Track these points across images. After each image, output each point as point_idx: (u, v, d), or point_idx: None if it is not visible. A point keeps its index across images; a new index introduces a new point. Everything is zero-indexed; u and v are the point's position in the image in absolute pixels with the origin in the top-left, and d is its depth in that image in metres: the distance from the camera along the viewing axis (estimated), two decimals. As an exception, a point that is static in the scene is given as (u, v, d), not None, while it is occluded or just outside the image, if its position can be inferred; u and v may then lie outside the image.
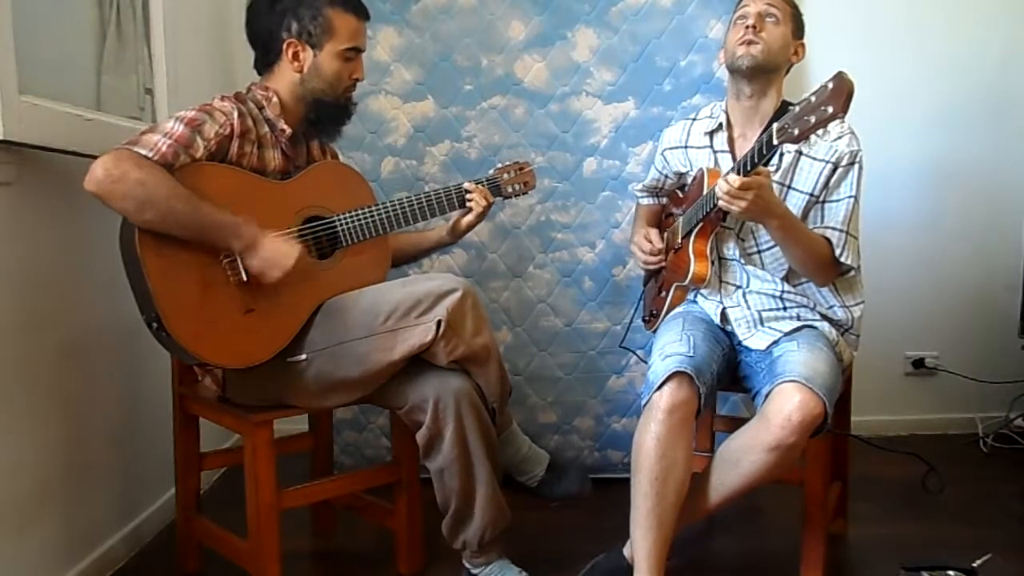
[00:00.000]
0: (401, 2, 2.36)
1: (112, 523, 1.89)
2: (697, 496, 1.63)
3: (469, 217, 1.82)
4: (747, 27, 1.69)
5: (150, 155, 1.47)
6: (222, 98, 1.63)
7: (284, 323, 1.62)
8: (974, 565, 1.71)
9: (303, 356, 1.62)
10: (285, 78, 1.69)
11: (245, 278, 1.56)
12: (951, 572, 1.69)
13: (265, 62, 1.71)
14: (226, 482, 2.38)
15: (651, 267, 1.91)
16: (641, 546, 1.55)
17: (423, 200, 1.76)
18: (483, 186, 1.83)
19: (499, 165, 1.90)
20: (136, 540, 1.97)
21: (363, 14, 1.72)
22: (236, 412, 1.66)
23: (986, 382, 2.73)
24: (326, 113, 1.72)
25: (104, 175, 1.43)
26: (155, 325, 1.52)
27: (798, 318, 1.73)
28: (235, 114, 1.60)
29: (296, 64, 1.67)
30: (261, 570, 1.63)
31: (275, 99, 1.68)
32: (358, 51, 1.72)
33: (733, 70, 1.74)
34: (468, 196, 1.80)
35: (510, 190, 1.88)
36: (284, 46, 1.67)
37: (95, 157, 1.69)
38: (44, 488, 1.63)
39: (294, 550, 1.88)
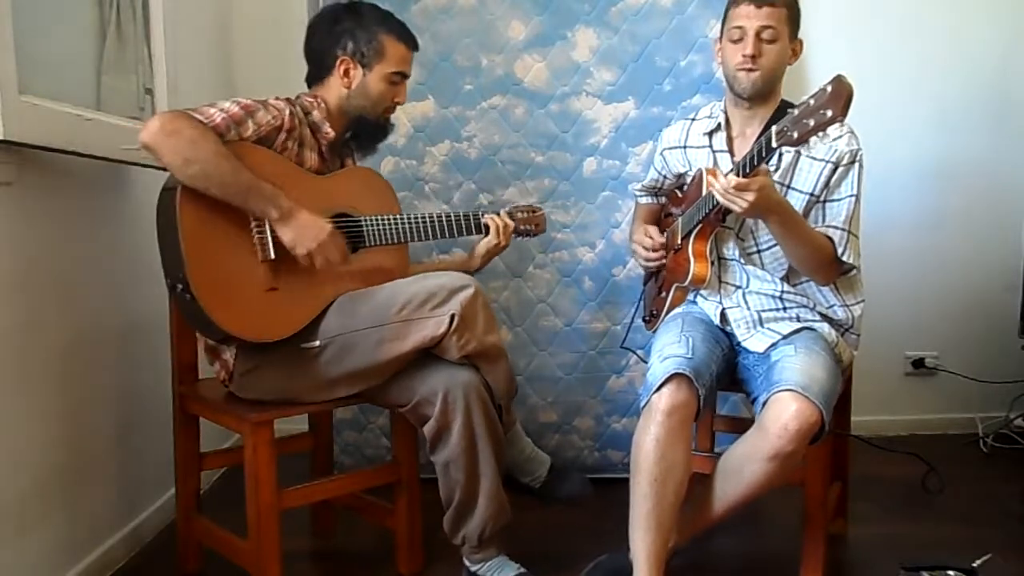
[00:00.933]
0: (401, 2, 2.36)
1: (112, 523, 1.89)
2: (701, 507, 1.64)
3: (488, 237, 1.89)
4: (744, 55, 1.67)
5: (204, 121, 1.54)
6: (276, 98, 1.70)
7: (303, 307, 1.66)
8: (974, 565, 1.71)
9: (316, 342, 1.65)
10: (333, 92, 1.78)
11: (273, 256, 1.60)
12: (951, 572, 1.69)
13: (316, 76, 1.80)
14: (226, 482, 2.38)
15: (652, 264, 1.91)
16: (641, 547, 1.55)
17: (445, 219, 1.84)
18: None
19: (513, 205, 2.00)
20: (136, 540, 1.97)
21: (413, 45, 1.82)
22: (236, 412, 1.66)
23: (986, 382, 2.73)
24: (365, 129, 1.82)
25: (159, 128, 1.49)
26: (180, 287, 1.55)
27: (798, 319, 1.73)
28: (287, 111, 1.68)
29: (346, 80, 1.76)
30: (261, 570, 1.63)
31: (323, 105, 1.77)
32: (403, 76, 1.81)
33: (732, 91, 1.74)
34: (485, 219, 1.88)
35: (523, 228, 1.98)
36: (337, 62, 1.75)
37: (95, 157, 1.70)
38: (44, 488, 1.63)
39: (294, 550, 1.88)
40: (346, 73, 1.76)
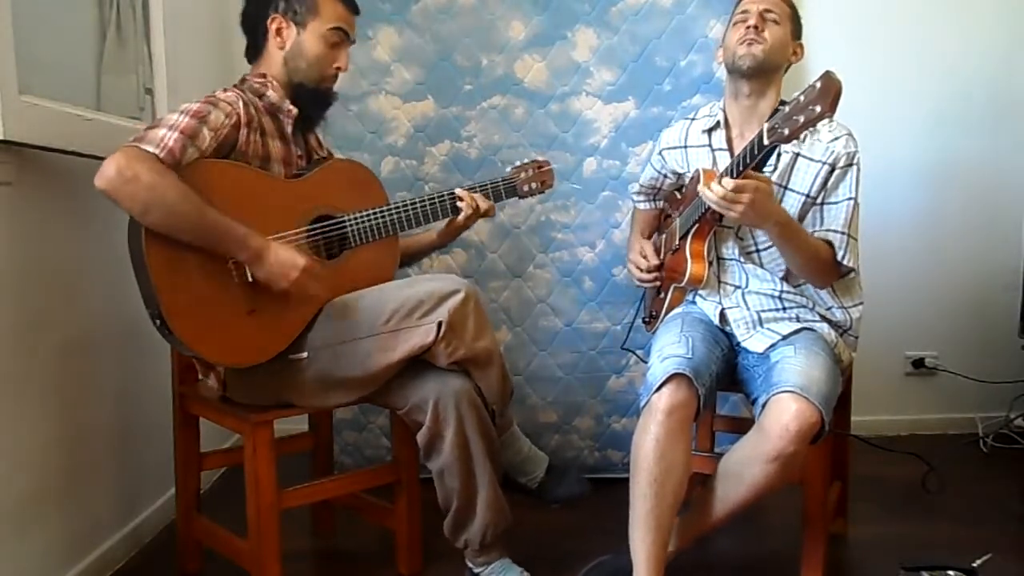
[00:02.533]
0: (401, 2, 2.36)
1: (112, 523, 1.89)
2: (703, 510, 1.63)
3: (459, 219, 1.82)
4: (748, 27, 1.69)
5: (159, 153, 1.45)
6: (224, 90, 1.63)
7: (288, 323, 1.62)
8: (974, 565, 1.71)
9: (304, 354, 1.63)
10: (273, 59, 1.69)
11: (251, 278, 1.55)
12: (951, 572, 1.69)
13: (255, 47, 1.72)
14: (226, 482, 2.38)
15: (646, 285, 1.92)
16: (640, 547, 1.55)
17: (436, 201, 1.77)
18: (489, 189, 1.84)
19: (518, 163, 1.90)
20: (136, 540, 1.97)
21: (351, 6, 1.72)
22: (236, 412, 1.66)
23: (986, 382, 2.73)
24: (308, 98, 1.72)
25: (116, 175, 1.42)
26: (159, 322, 1.52)
27: (797, 319, 1.73)
28: (240, 104, 1.60)
29: (279, 40, 1.68)
30: (261, 570, 1.63)
31: (275, 83, 1.69)
32: (343, 35, 1.71)
33: (733, 70, 1.74)
34: (460, 202, 1.80)
35: (526, 189, 1.89)
36: (269, 22, 1.67)
37: (95, 157, 1.69)
38: (44, 488, 1.63)
39: (294, 550, 1.88)
40: (279, 32, 1.67)
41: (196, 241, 1.49)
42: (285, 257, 1.55)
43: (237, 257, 1.53)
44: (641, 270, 1.90)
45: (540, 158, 1.94)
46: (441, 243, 1.91)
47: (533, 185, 1.89)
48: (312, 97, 1.72)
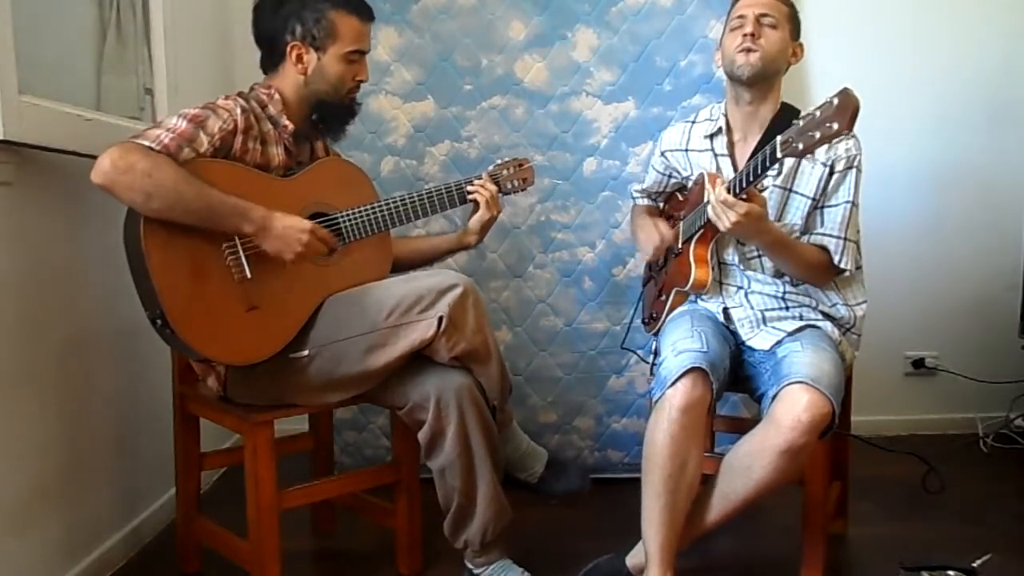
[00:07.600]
0: (401, 2, 2.37)
1: (112, 523, 1.89)
2: (704, 510, 1.61)
3: (480, 212, 1.82)
4: (745, 35, 1.68)
5: (154, 147, 1.47)
6: (226, 97, 1.64)
7: (287, 320, 1.63)
8: (974, 565, 1.71)
9: (305, 352, 1.63)
10: (289, 79, 1.70)
11: (248, 275, 1.56)
12: (951, 572, 1.69)
13: (270, 62, 1.72)
14: (226, 482, 2.38)
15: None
16: (654, 542, 1.54)
17: (424, 197, 1.77)
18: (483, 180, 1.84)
19: (498, 162, 1.91)
20: (136, 540, 1.97)
21: (366, 16, 1.72)
22: (237, 412, 1.66)
23: (986, 382, 2.73)
24: (330, 113, 1.73)
25: (111, 167, 1.43)
26: (159, 322, 1.52)
27: (800, 318, 1.73)
28: (238, 111, 1.61)
29: (300, 67, 1.68)
30: (261, 570, 1.63)
31: (277, 97, 1.69)
32: (361, 53, 1.72)
33: (732, 78, 1.74)
34: (469, 189, 1.81)
35: (509, 186, 1.89)
36: (288, 49, 1.67)
37: (95, 157, 1.69)
38: (44, 488, 1.63)
39: (294, 550, 1.88)
40: (299, 59, 1.67)
41: (201, 222, 1.50)
42: (291, 222, 1.56)
43: (243, 230, 1.53)
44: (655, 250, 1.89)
45: (520, 156, 1.95)
46: (472, 240, 1.87)
47: (515, 183, 1.89)
48: (335, 110, 1.73)
